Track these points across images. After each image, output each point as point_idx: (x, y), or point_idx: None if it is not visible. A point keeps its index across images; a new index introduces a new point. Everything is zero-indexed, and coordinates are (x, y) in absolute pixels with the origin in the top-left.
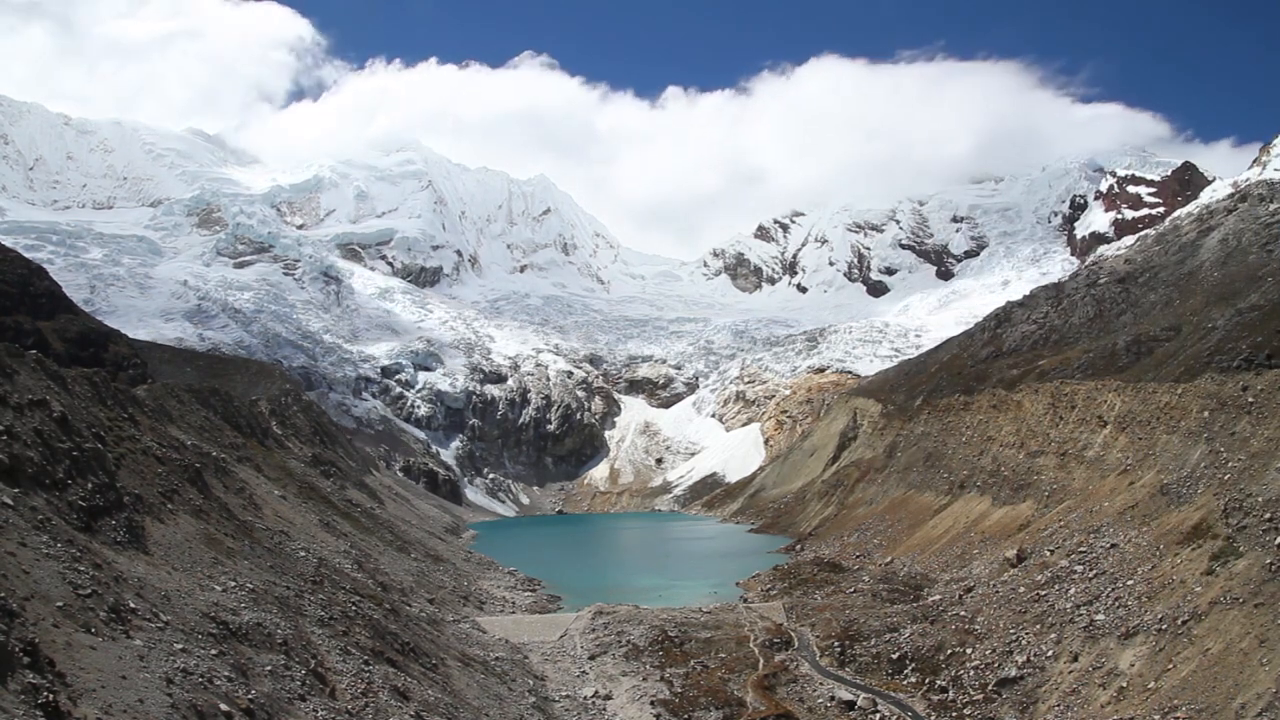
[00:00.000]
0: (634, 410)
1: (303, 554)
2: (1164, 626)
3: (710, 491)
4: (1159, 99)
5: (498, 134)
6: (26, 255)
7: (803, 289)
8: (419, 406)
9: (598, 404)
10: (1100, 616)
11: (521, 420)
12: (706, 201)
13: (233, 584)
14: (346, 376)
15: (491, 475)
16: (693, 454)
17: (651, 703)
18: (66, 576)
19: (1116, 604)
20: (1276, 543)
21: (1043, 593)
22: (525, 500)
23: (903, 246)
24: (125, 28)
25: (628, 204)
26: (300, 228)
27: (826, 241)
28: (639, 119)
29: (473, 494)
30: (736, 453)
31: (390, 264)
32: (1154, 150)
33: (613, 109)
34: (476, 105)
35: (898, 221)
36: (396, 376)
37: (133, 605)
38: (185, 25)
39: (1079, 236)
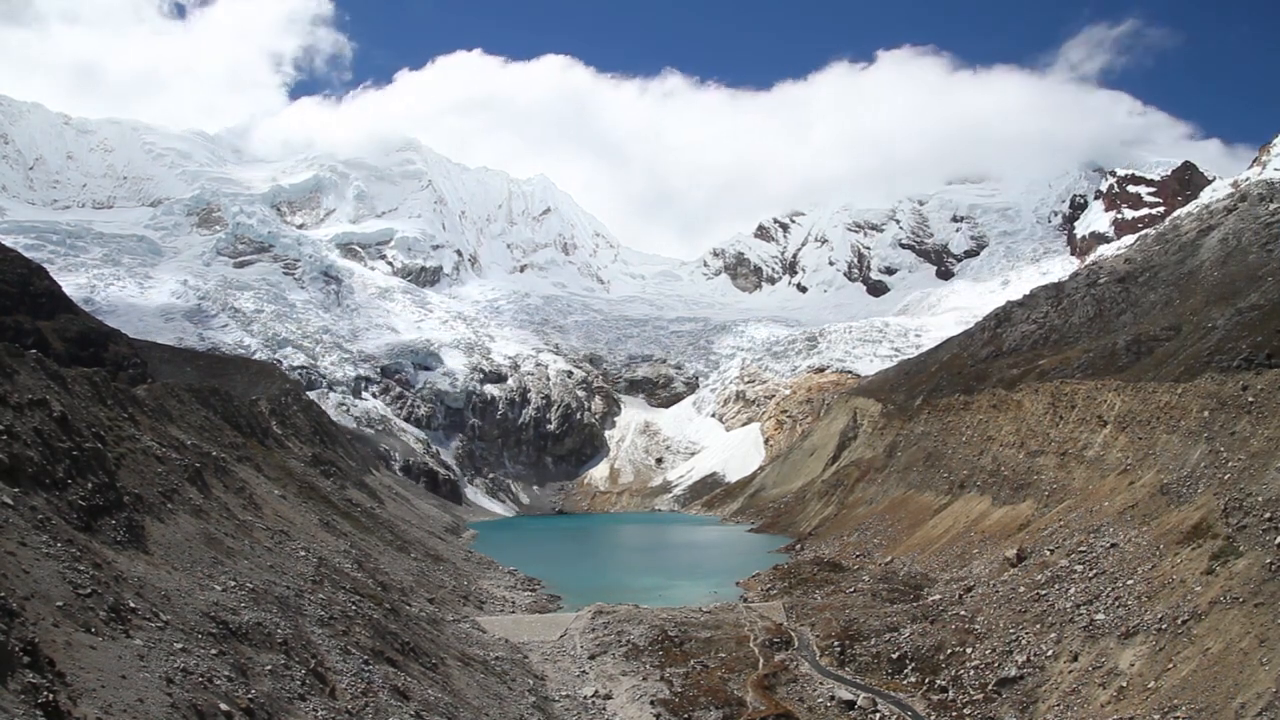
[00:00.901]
0: (634, 410)
1: (303, 554)
2: (1164, 626)
3: (710, 491)
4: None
5: (532, 128)
6: (26, 255)
7: (803, 289)
8: (419, 406)
9: (597, 404)
10: (1100, 616)
11: (521, 420)
12: (766, 195)
13: (233, 584)
14: (346, 376)
15: (491, 475)
16: (693, 454)
17: (651, 702)
18: (66, 576)
19: (1116, 604)
20: (1276, 542)
21: (1043, 592)
22: (525, 500)
23: (903, 246)
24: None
25: (681, 200)
26: (300, 228)
27: (826, 241)
28: (706, 104)
29: (473, 494)
30: (736, 453)
31: (390, 264)
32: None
33: (676, 100)
34: (509, 100)
35: (898, 221)
36: (396, 376)
37: (133, 605)
38: (186, 21)
39: (1079, 236)
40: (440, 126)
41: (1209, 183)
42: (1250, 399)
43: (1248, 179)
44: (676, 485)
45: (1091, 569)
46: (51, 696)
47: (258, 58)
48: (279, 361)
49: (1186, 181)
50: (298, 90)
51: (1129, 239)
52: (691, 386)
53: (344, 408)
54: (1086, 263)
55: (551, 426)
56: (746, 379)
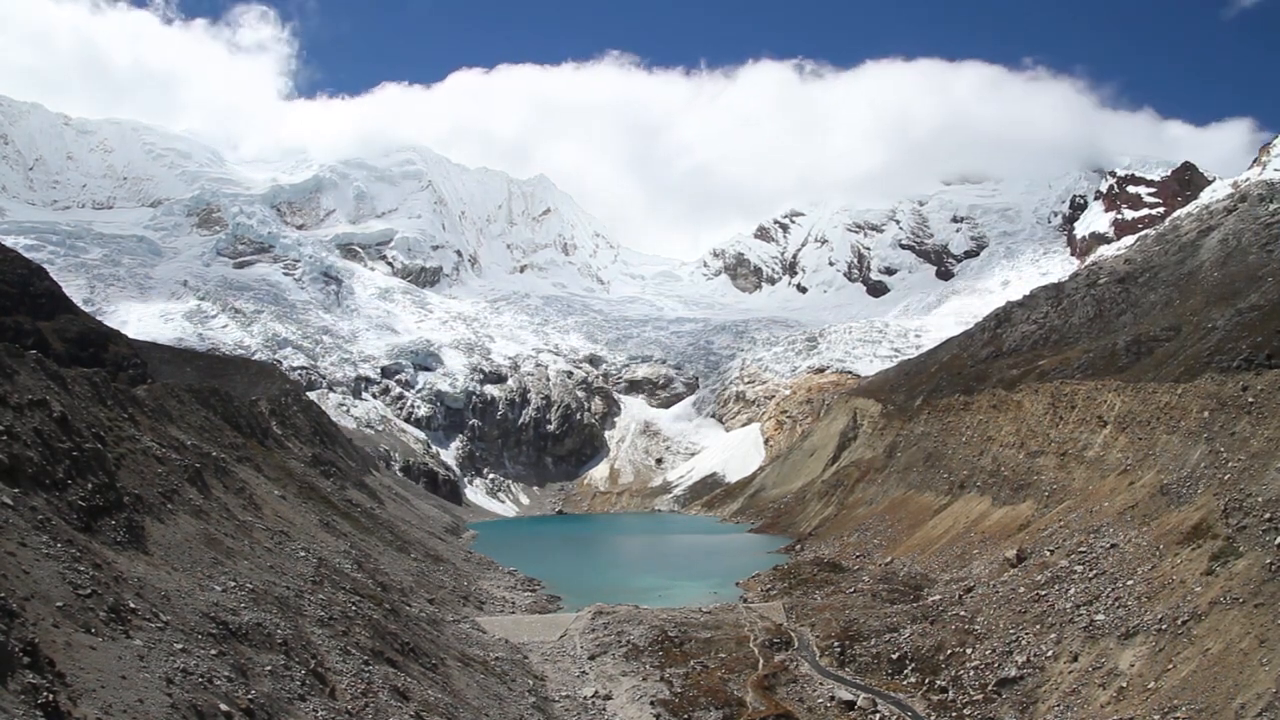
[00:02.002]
0: (634, 410)
1: (303, 554)
2: (1164, 626)
3: (710, 491)
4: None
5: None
6: (26, 255)
7: (803, 289)
8: (419, 406)
9: (598, 404)
10: (1100, 616)
11: (521, 420)
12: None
13: (233, 584)
14: (346, 376)
15: (491, 475)
16: (693, 454)
17: (651, 703)
18: (66, 576)
19: (1116, 604)
20: (1276, 543)
21: (1043, 593)
22: (525, 500)
23: (903, 246)
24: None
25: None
26: (300, 228)
27: (826, 241)
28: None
29: (473, 494)
30: (736, 453)
31: (390, 264)
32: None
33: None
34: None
35: (897, 221)
36: (396, 376)
37: (133, 605)
38: (189, 20)
39: (1079, 237)
40: (454, 129)
41: (1209, 183)
42: (1250, 399)
43: (1248, 179)
44: (676, 486)
45: (1091, 569)
46: (51, 697)
47: (259, 58)
48: (279, 362)
49: (1186, 182)
50: (297, 91)
51: (1129, 239)
52: (691, 387)
53: (344, 408)
54: (1086, 263)
55: (551, 427)
56: (746, 379)
